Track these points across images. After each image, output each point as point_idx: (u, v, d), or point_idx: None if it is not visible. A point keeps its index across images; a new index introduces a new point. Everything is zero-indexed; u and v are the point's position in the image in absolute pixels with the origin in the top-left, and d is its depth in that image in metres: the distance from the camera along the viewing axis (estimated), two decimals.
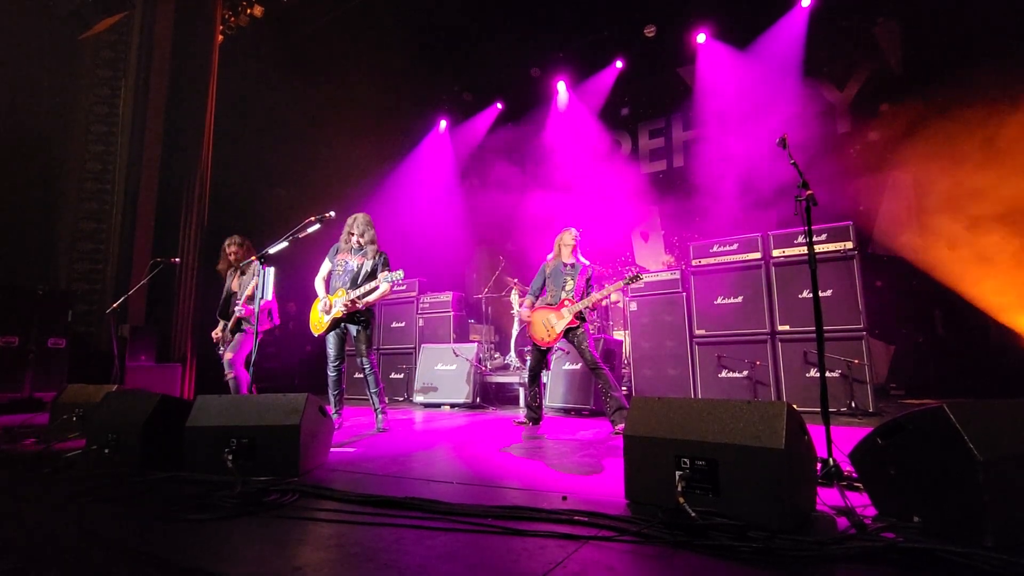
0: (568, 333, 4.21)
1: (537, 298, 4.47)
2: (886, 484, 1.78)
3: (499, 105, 9.89)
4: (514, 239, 9.49)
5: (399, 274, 4.07)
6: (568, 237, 4.42)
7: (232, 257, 4.65)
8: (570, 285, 4.28)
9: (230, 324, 4.46)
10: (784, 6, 7.29)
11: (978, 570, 1.33)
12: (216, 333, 4.56)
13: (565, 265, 4.37)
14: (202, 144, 7.02)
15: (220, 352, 4.47)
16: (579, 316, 4.20)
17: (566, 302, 4.22)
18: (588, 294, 4.27)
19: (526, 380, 4.48)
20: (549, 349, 4.33)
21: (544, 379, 5.70)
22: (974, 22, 5.88)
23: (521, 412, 5.55)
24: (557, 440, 3.65)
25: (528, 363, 4.41)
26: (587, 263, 4.45)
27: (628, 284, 4.27)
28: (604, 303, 4.36)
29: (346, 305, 4.03)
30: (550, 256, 4.52)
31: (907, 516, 1.66)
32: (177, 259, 6.16)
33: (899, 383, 6.09)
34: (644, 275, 5.68)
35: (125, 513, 2.01)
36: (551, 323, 4.23)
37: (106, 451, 2.72)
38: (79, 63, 7.11)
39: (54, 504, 2.12)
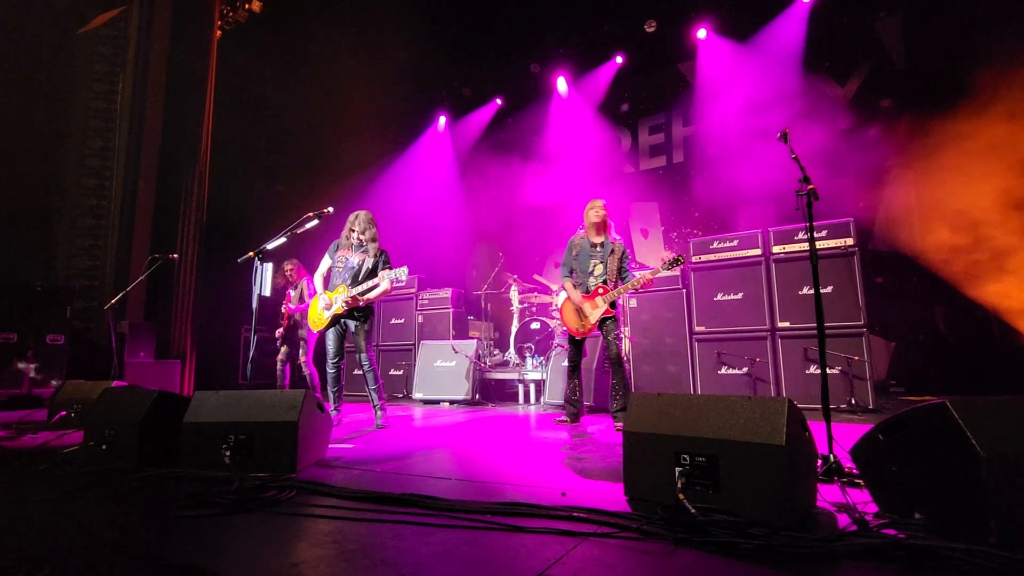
0: (600, 322, 3.95)
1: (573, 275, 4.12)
2: (888, 481, 1.77)
3: (499, 101, 9.85)
4: (513, 235, 9.47)
5: (403, 271, 4.06)
6: (593, 213, 4.05)
7: (288, 275, 5.71)
8: (599, 270, 3.98)
9: (284, 324, 5.60)
10: (785, 1, 7.25)
11: (981, 567, 1.32)
12: (279, 332, 5.67)
13: (593, 245, 4.06)
14: (201, 139, 6.99)
15: (277, 345, 5.67)
16: (611, 304, 3.94)
17: (600, 290, 3.94)
18: (622, 278, 3.95)
19: (567, 373, 4.19)
20: (584, 339, 4.12)
21: (543, 376, 5.70)
22: (976, 16, 5.85)
23: (532, 409, 5.54)
24: (557, 436, 3.64)
25: (568, 355, 4.16)
26: (619, 240, 4.08)
27: (670, 268, 3.87)
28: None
29: (347, 302, 4.02)
30: (580, 231, 4.19)
31: (909, 513, 1.64)
32: (175, 255, 6.16)
33: (899, 380, 6.09)
34: (643, 271, 5.67)
35: (122, 510, 2.00)
36: (585, 313, 3.96)
37: (103, 447, 2.70)
38: (77, 58, 7.07)
39: (50, 501, 2.11)
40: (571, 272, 4.14)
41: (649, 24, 7.82)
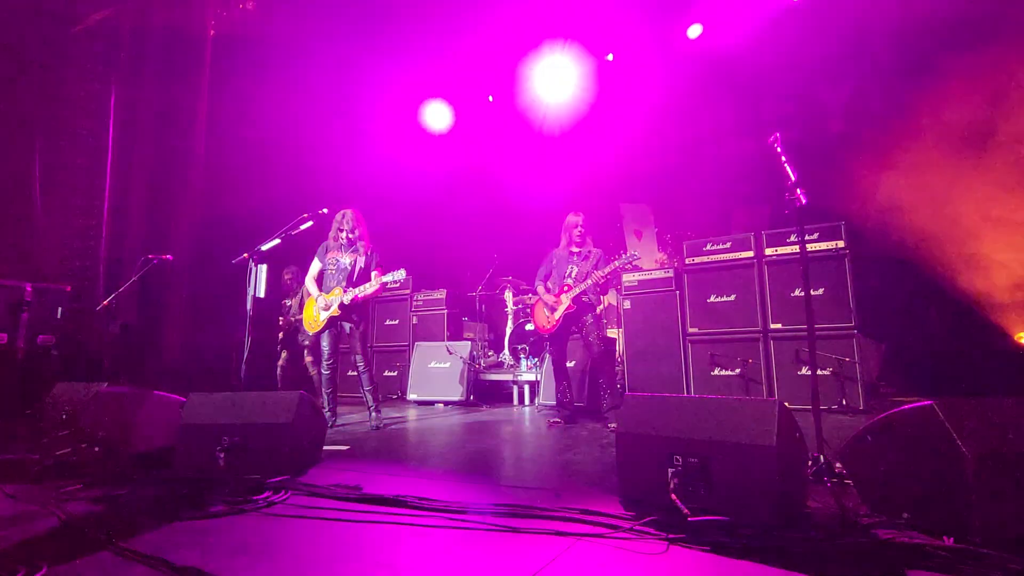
0: (577, 322, 4.18)
1: (546, 286, 4.41)
2: (876, 481, 1.79)
3: (492, 100, 9.85)
4: (509, 236, 9.48)
5: (400, 274, 4.07)
6: (571, 225, 4.37)
7: (287, 282, 5.81)
8: (574, 272, 4.24)
9: (285, 330, 5.71)
10: (777, 4, 7.31)
11: (966, 565, 1.35)
12: (281, 335, 5.80)
13: (571, 253, 4.35)
14: (194, 139, 6.96)
15: (278, 349, 5.77)
16: (582, 303, 4.14)
17: (565, 287, 4.21)
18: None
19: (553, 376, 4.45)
20: (563, 337, 4.29)
21: (537, 377, 5.72)
22: (968, 20, 5.91)
23: (526, 410, 5.56)
24: (551, 437, 3.66)
25: (552, 357, 4.40)
26: (596, 249, 4.37)
27: (624, 264, 4.10)
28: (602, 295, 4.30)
29: (343, 304, 4.02)
30: (561, 244, 4.48)
31: (897, 512, 1.67)
32: (169, 256, 6.12)
33: (890, 381, 6.14)
34: (638, 273, 5.70)
35: (116, 512, 1.99)
36: (551, 307, 4.24)
37: (96, 449, 2.69)
38: (69, 57, 7.02)
39: (45, 503, 2.10)
40: (545, 278, 4.47)
41: (643, 27, 7.87)
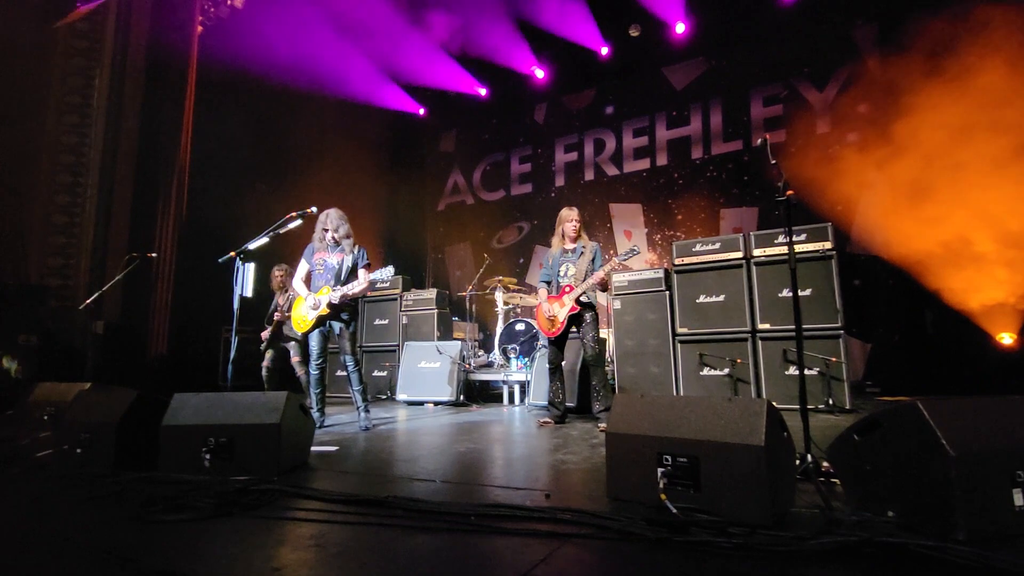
0: (574, 321, 4.11)
1: (549, 287, 4.32)
2: (862, 479, 1.81)
3: (485, 96, 9.86)
4: (499, 236, 9.49)
5: (389, 271, 4.05)
6: (569, 226, 4.22)
7: (278, 280, 5.70)
8: (571, 271, 4.14)
9: (272, 328, 5.56)
10: (767, 7, 7.39)
11: (949, 563, 1.36)
12: (264, 334, 5.62)
13: (565, 251, 4.26)
14: (180, 136, 6.88)
15: (261, 347, 5.61)
16: (583, 303, 4.07)
17: (566, 289, 4.12)
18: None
19: (548, 375, 4.33)
20: (563, 339, 4.22)
21: (527, 377, 5.72)
22: (951, 25, 6.00)
23: (516, 410, 5.55)
24: (541, 438, 3.66)
25: (548, 356, 4.31)
26: (591, 244, 4.23)
27: (626, 259, 4.02)
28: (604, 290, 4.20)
29: (332, 303, 3.99)
30: (554, 242, 4.37)
31: (882, 511, 1.69)
32: (154, 254, 6.06)
33: (876, 381, 6.22)
34: (628, 274, 5.72)
35: (98, 515, 1.96)
36: (553, 312, 4.15)
37: (79, 451, 2.65)
38: (52, 52, 6.90)
39: (24, 506, 2.06)
40: (548, 282, 4.36)
41: (633, 28, 7.91)
